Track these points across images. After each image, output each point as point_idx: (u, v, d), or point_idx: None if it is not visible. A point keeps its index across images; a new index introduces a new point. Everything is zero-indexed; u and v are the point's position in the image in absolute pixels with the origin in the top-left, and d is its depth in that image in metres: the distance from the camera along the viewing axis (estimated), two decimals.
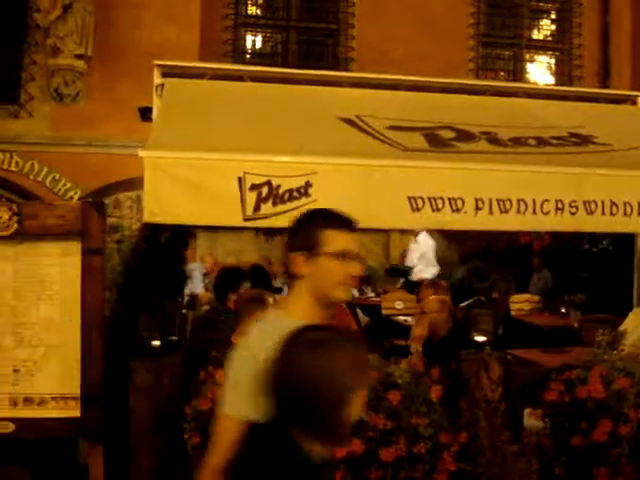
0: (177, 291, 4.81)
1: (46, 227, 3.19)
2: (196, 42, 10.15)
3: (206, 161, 3.95)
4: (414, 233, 10.35)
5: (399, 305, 8.63)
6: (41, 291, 3.22)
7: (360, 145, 4.47)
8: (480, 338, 4.61)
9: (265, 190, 3.88)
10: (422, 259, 10.46)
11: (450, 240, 10.67)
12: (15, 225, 3.16)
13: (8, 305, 3.18)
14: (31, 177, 9.80)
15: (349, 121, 4.91)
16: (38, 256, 3.22)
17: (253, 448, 1.85)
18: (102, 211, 3.28)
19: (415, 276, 10.30)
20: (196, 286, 8.55)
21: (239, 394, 2.06)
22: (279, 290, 8.22)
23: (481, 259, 10.48)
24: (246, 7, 11.54)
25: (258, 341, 2.09)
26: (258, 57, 11.56)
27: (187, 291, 7.80)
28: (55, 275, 3.24)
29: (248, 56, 11.48)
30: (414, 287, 9.56)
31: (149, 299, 3.75)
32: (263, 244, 10.35)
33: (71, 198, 9.56)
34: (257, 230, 8.72)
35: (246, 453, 1.86)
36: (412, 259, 10.60)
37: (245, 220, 3.87)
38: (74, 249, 3.19)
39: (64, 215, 3.22)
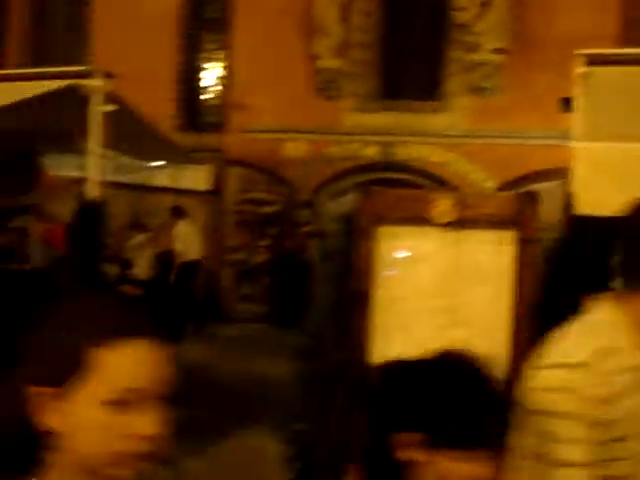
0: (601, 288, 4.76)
1: (483, 216, 3.44)
2: (614, 28, 9.79)
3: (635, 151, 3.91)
4: None
5: None
6: (476, 276, 3.50)
7: None
8: None
9: None
10: None
11: None
12: (455, 213, 3.47)
13: (450, 286, 3.52)
14: (449, 168, 10.44)
15: None
16: (475, 242, 3.50)
17: None
18: (535, 202, 3.44)
19: None
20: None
21: None
22: None
23: None
24: None
25: None
26: None
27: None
28: (489, 262, 3.49)
29: None
30: None
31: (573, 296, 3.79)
32: None
33: (486, 188, 9.98)
34: None
35: None
36: None
37: None
38: (509, 238, 3.40)
39: (500, 205, 3.45)
